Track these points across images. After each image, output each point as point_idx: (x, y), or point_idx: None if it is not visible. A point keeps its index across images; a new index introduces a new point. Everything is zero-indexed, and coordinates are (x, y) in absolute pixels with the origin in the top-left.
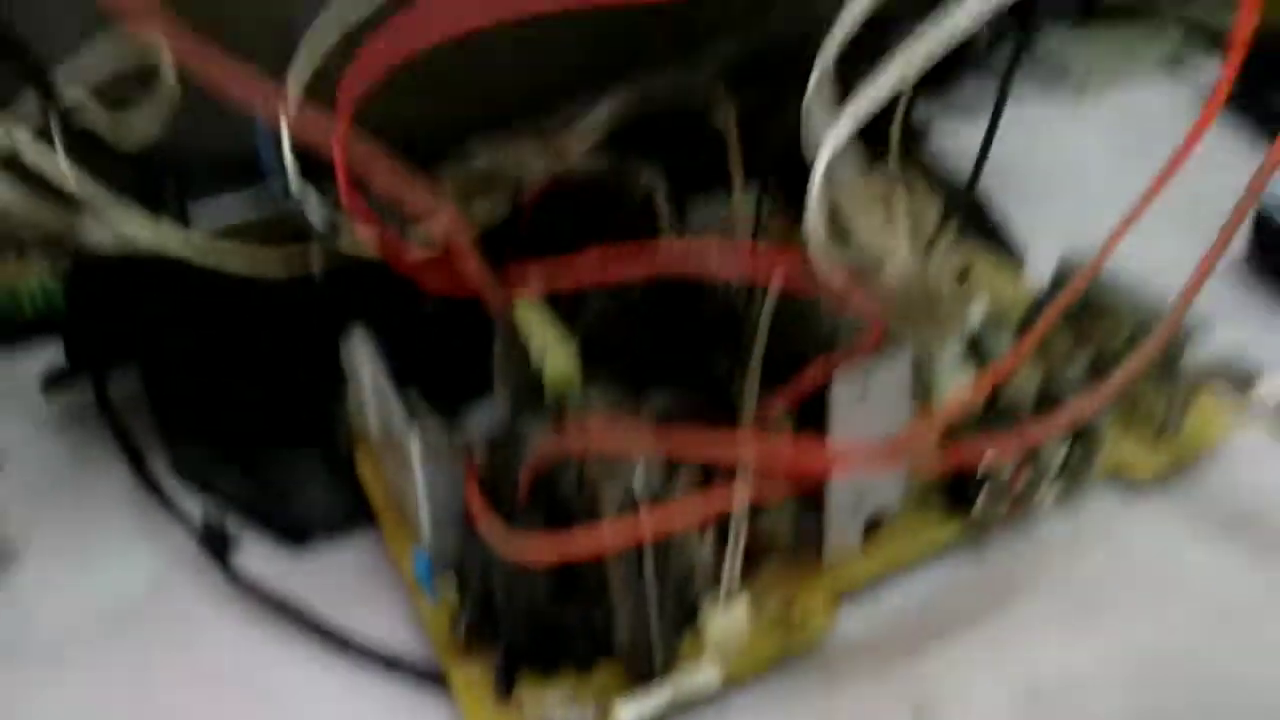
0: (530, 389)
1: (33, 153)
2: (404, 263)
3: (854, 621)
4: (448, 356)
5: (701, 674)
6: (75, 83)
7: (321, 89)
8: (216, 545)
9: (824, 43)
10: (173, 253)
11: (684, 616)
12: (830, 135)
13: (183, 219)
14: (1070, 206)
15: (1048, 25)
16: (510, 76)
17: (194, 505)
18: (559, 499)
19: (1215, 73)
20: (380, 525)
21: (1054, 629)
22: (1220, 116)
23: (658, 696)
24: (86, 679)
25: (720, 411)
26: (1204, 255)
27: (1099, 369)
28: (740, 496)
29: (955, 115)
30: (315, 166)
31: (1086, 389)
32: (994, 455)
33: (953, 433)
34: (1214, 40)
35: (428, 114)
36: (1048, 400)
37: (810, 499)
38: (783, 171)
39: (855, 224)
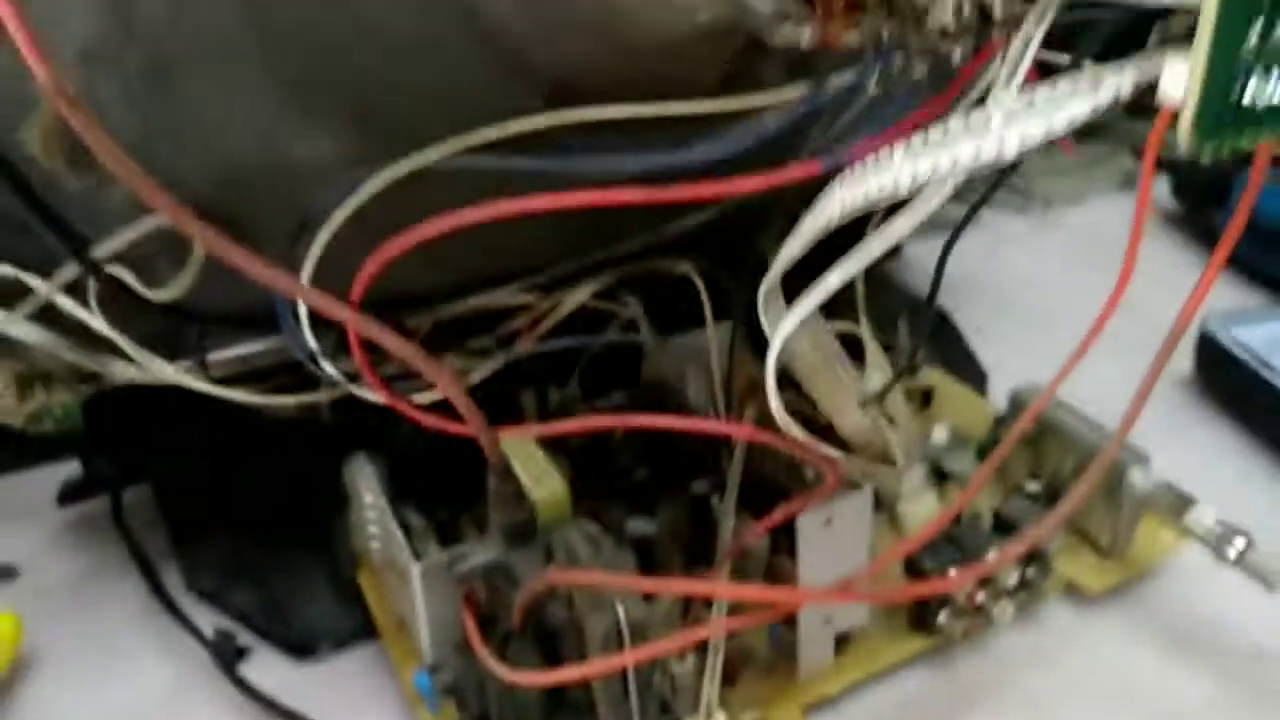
0: (523, 523)
1: (69, 305)
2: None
3: None
4: (443, 474)
5: None
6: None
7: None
8: (226, 656)
9: (772, 265)
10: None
11: None
12: (781, 328)
13: (202, 364)
14: (1032, 318)
15: None
16: (504, 250)
17: (205, 617)
18: (549, 628)
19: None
20: (382, 637)
21: None
22: (1171, 236)
23: None
24: None
25: (700, 531)
26: (1142, 380)
27: (1052, 493)
28: (716, 629)
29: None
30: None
31: (1039, 514)
32: (954, 580)
33: (914, 560)
34: (1160, 161)
35: (427, 278)
36: (1003, 523)
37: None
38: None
39: (811, 386)
